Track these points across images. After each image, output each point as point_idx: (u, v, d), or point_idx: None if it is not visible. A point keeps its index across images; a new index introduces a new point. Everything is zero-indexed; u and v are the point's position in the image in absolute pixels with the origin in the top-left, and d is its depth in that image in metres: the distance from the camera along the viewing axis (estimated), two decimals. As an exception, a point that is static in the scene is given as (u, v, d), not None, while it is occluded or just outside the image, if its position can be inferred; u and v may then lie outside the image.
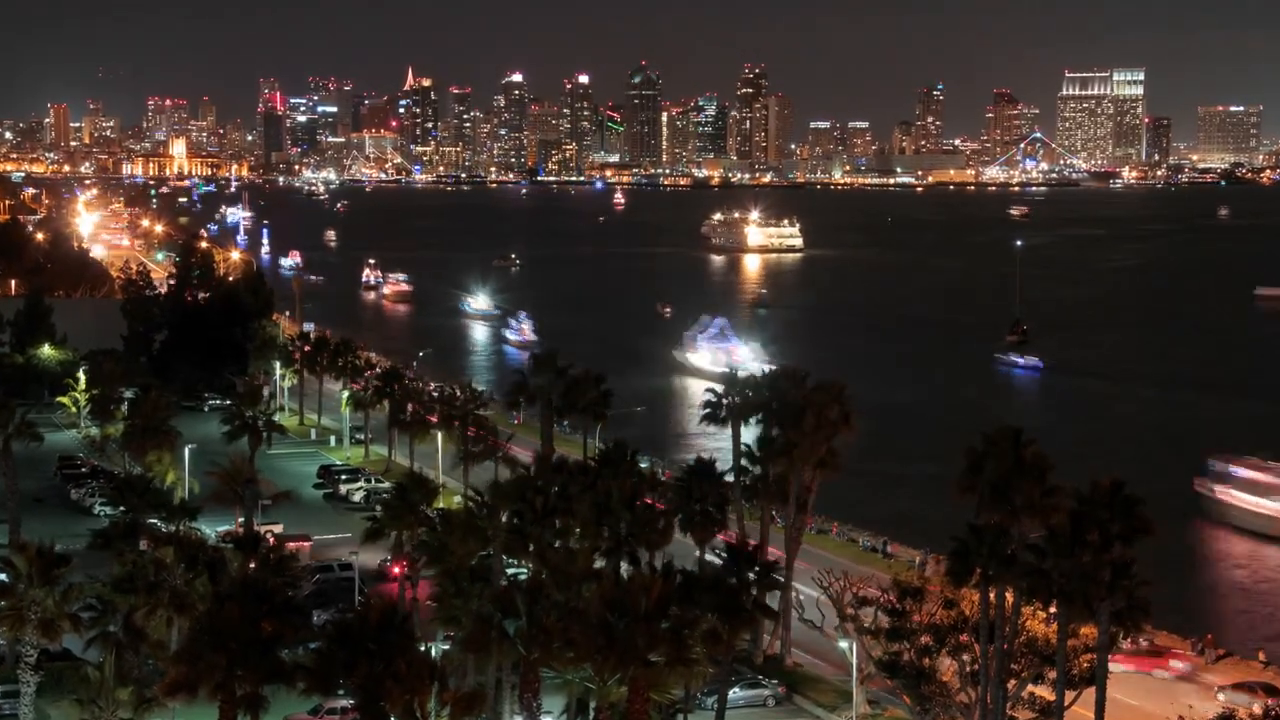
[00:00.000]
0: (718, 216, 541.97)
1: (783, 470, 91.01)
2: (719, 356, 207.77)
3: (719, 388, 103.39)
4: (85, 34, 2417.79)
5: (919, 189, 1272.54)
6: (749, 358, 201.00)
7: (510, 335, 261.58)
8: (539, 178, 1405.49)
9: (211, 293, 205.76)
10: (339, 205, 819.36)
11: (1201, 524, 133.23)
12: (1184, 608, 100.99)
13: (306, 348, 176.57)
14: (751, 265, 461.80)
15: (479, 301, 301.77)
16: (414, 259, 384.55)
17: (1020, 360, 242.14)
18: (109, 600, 70.34)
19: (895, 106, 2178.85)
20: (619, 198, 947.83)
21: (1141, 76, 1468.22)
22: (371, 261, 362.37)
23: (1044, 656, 73.30)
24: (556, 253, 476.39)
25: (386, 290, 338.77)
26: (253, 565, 77.59)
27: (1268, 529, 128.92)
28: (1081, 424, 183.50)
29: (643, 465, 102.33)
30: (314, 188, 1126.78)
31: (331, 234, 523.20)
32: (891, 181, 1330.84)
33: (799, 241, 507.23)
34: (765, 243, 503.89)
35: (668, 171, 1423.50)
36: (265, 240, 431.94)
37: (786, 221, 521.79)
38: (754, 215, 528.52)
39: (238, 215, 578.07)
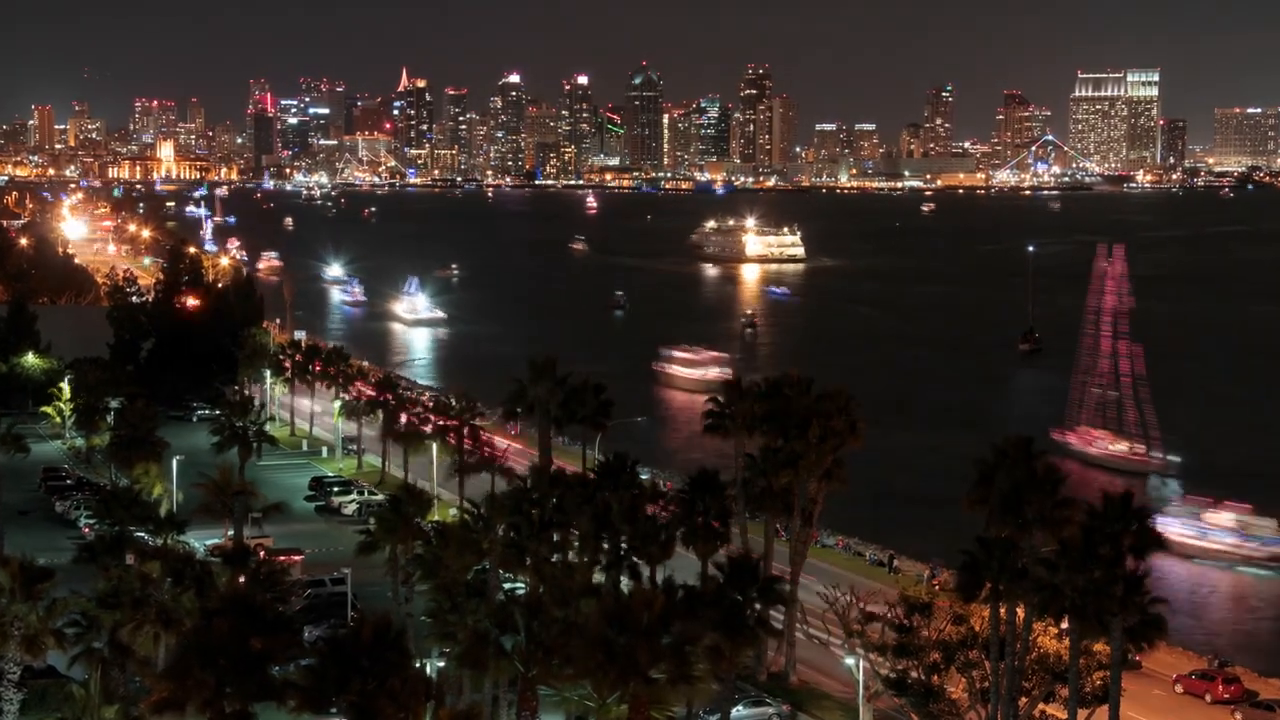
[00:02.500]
0: (710, 224, 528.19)
1: (787, 481, 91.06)
2: (408, 306, 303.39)
3: (718, 396, 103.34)
4: (71, 34, 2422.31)
5: (928, 193, 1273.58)
6: (422, 306, 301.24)
7: (344, 296, 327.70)
8: (537, 181, 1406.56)
9: (200, 300, 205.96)
10: (366, 211, 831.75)
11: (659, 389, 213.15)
12: (1198, 621, 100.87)
13: (298, 356, 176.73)
14: (750, 276, 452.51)
15: (333, 269, 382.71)
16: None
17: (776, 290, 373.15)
18: (94, 616, 70.34)
19: (903, 108, 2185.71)
20: (591, 202, 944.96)
21: (1156, 77, 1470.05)
22: (237, 243, 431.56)
23: (1056, 674, 73.39)
24: (517, 263, 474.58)
25: (260, 265, 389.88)
26: (242, 580, 77.64)
27: (688, 388, 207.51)
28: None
29: (643, 477, 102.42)
30: (311, 191, 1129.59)
31: (289, 220, 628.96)
32: (900, 185, 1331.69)
33: (800, 250, 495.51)
34: (765, 252, 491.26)
35: (669, 175, 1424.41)
36: (209, 225, 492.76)
37: (786, 229, 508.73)
38: (749, 222, 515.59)
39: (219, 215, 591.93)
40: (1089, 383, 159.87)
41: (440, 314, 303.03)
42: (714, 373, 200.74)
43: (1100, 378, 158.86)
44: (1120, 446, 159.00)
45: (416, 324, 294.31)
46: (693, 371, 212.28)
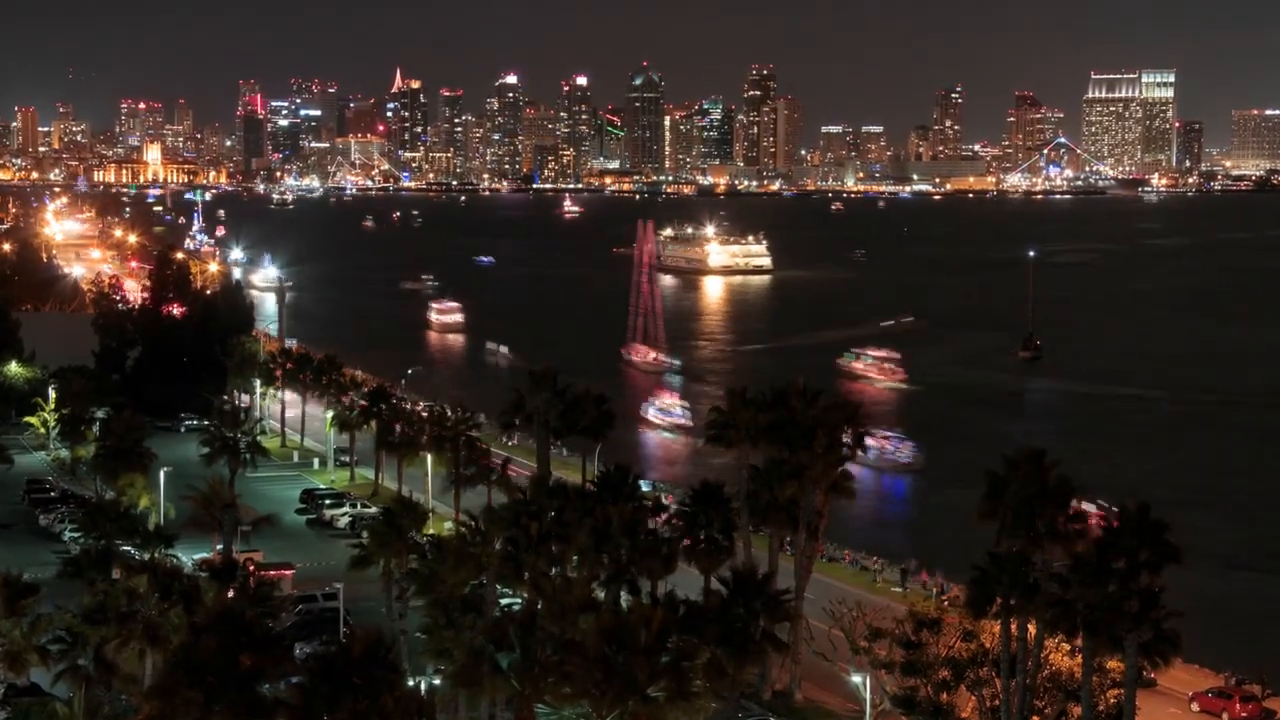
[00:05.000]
0: (668, 232, 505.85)
1: (792, 494, 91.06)
2: (261, 276, 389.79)
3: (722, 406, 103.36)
4: (55, 33, 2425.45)
5: (936, 197, 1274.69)
6: (272, 276, 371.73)
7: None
8: (535, 185, 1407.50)
9: (188, 307, 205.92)
10: (395, 215, 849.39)
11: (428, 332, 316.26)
12: (1215, 637, 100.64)
13: (289, 365, 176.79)
14: (713, 290, 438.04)
15: (235, 252, 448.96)
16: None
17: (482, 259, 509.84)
18: (79, 632, 70.38)
19: (912, 110, 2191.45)
20: (570, 206, 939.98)
21: (1172, 78, 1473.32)
22: (200, 237, 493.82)
23: (1068, 691, 73.42)
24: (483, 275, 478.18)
25: (203, 248, 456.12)
26: (231, 595, 77.67)
27: (437, 329, 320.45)
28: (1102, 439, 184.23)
29: (644, 489, 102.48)
30: (283, 196, 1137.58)
31: (221, 213, 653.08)
32: (907, 189, 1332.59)
33: (767, 261, 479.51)
34: (729, 263, 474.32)
35: (670, 179, 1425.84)
36: (198, 219, 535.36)
37: (752, 239, 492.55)
38: (710, 230, 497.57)
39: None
40: (633, 314, 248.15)
41: (287, 281, 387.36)
42: (454, 319, 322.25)
43: (638, 311, 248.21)
44: (650, 356, 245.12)
45: (265, 290, 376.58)
46: (443, 318, 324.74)
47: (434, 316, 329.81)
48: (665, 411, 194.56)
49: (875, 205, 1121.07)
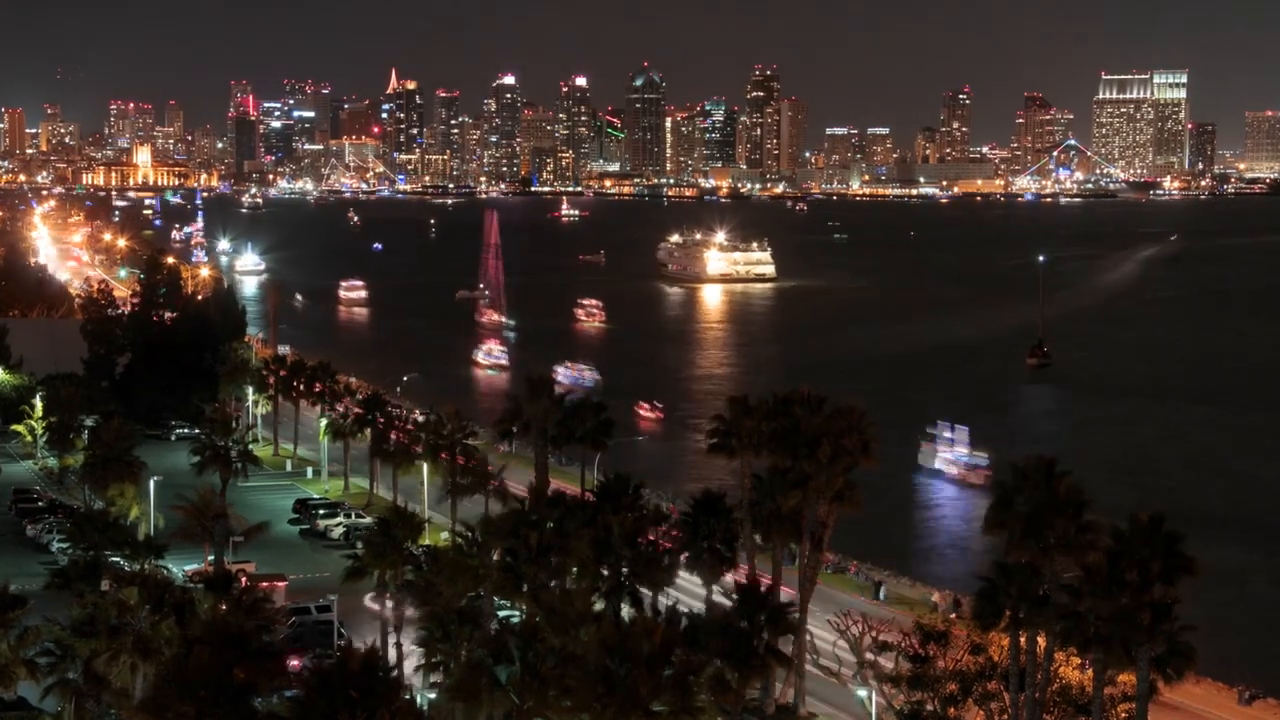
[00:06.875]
0: (675, 238, 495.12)
1: (796, 504, 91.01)
2: (243, 261, 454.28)
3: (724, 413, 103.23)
4: (43, 32, 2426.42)
5: (943, 200, 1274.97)
6: (251, 263, 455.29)
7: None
8: (533, 188, 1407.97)
9: (179, 313, 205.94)
10: (355, 219, 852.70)
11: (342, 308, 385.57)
12: (1224, 648, 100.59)
13: (281, 372, 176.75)
14: (711, 299, 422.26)
15: (222, 244, 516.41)
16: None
17: (376, 246, 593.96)
18: (68, 645, 70.37)
19: (918, 111, 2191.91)
20: (566, 209, 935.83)
21: (1184, 79, 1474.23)
22: (196, 228, 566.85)
23: (1079, 706, 73.39)
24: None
25: (192, 240, 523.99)
26: (224, 607, 77.68)
27: (345, 304, 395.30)
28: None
29: (659, 500, 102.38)
30: (255, 199, 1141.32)
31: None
32: (914, 192, 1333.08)
33: (770, 269, 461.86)
34: (729, 270, 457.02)
35: (671, 182, 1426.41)
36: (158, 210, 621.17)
37: (756, 245, 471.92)
38: (721, 237, 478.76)
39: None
40: (483, 285, 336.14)
41: (262, 266, 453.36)
42: (359, 295, 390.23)
43: (482, 285, 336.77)
44: (493, 318, 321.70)
45: (245, 274, 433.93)
46: (350, 294, 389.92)
47: (342, 293, 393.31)
48: (489, 354, 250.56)
49: (879, 206, 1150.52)
